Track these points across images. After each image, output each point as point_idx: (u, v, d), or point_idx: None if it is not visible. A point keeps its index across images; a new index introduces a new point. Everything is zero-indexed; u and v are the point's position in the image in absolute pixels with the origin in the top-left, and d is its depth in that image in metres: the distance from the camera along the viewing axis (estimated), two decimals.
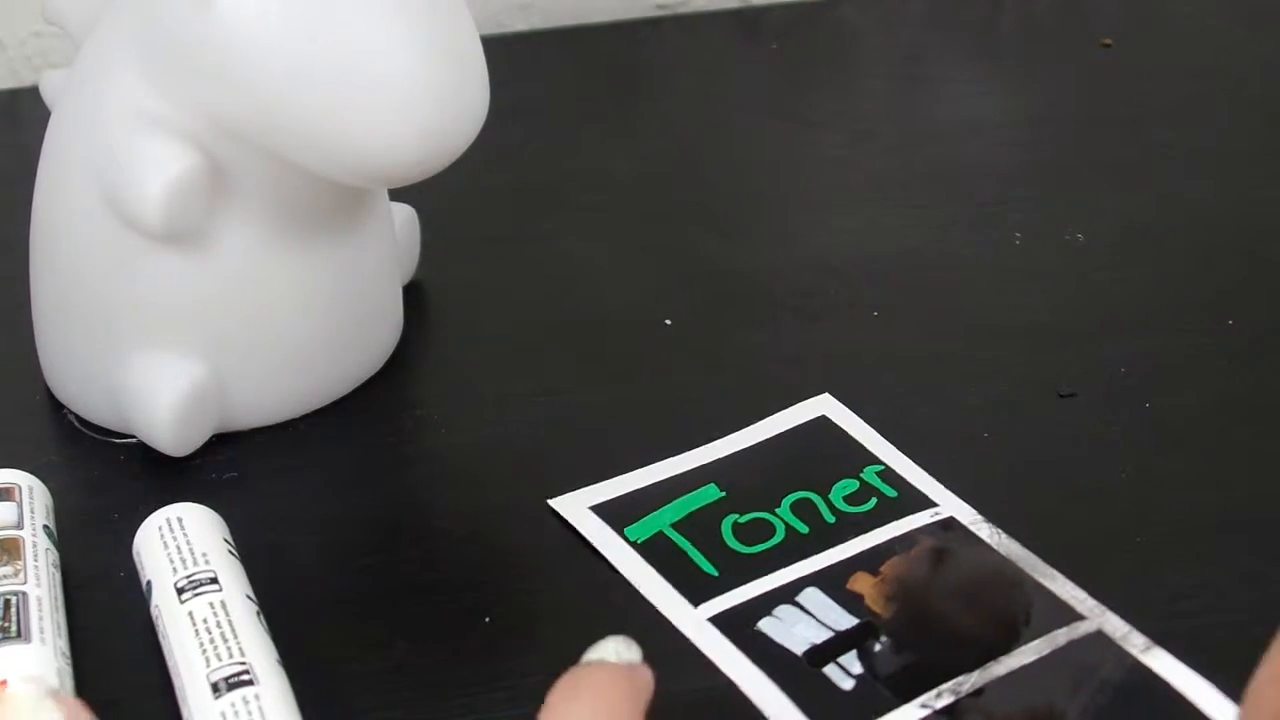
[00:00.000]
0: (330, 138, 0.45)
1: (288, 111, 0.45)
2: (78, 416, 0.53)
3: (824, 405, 0.53)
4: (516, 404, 0.53)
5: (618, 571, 0.47)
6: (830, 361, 0.55)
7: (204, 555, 0.44)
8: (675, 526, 0.48)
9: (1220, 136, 0.68)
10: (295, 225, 0.50)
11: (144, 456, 0.51)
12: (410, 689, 0.43)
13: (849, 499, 0.49)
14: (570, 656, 0.40)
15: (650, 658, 0.37)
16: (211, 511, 0.46)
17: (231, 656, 0.41)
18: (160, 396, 0.49)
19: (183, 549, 0.44)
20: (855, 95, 0.72)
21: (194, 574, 0.43)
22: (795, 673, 0.43)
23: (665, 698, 0.38)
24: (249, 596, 0.43)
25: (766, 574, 0.46)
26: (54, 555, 0.45)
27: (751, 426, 0.52)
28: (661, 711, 0.37)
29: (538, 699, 0.42)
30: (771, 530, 0.48)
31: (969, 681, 0.43)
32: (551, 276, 0.60)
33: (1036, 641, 0.44)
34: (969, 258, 0.60)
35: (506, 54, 0.71)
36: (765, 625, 0.45)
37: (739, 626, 0.45)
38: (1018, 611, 0.45)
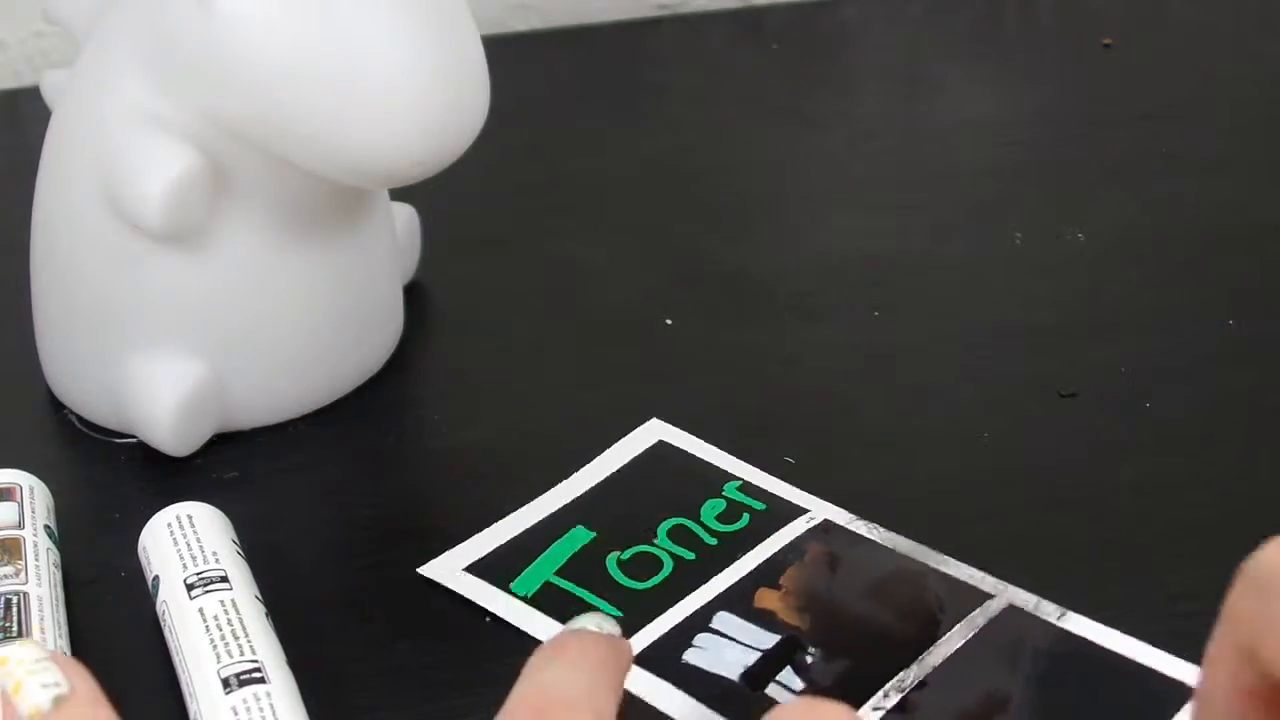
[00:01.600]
0: (331, 138, 0.45)
1: (288, 112, 0.45)
2: (78, 416, 0.53)
3: (657, 431, 0.52)
4: (517, 404, 0.53)
5: (519, 630, 0.45)
6: (829, 360, 0.55)
7: (214, 554, 0.44)
8: (559, 574, 0.47)
9: (1220, 136, 0.68)
10: (296, 225, 0.50)
11: (145, 456, 0.51)
12: (411, 689, 0.43)
13: (720, 518, 0.48)
14: None
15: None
16: (219, 512, 0.46)
17: (243, 654, 0.41)
18: (161, 396, 0.49)
19: (193, 546, 0.44)
20: (855, 95, 0.72)
21: (204, 571, 0.43)
22: (740, 699, 0.43)
23: None
24: (257, 597, 0.43)
25: (671, 605, 0.45)
26: (55, 555, 0.45)
27: (592, 463, 0.51)
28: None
29: None
30: (658, 562, 0.47)
31: (910, 676, 0.43)
32: (552, 276, 0.60)
33: (958, 627, 0.44)
34: (969, 257, 0.60)
35: (507, 54, 0.71)
36: (691, 656, 0.44)
37: (665, 662, 0.44)
38: (930, 601, 0.45)
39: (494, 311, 0.58)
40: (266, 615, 0.43)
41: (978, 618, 0.45)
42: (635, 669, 0.43)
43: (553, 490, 0.50)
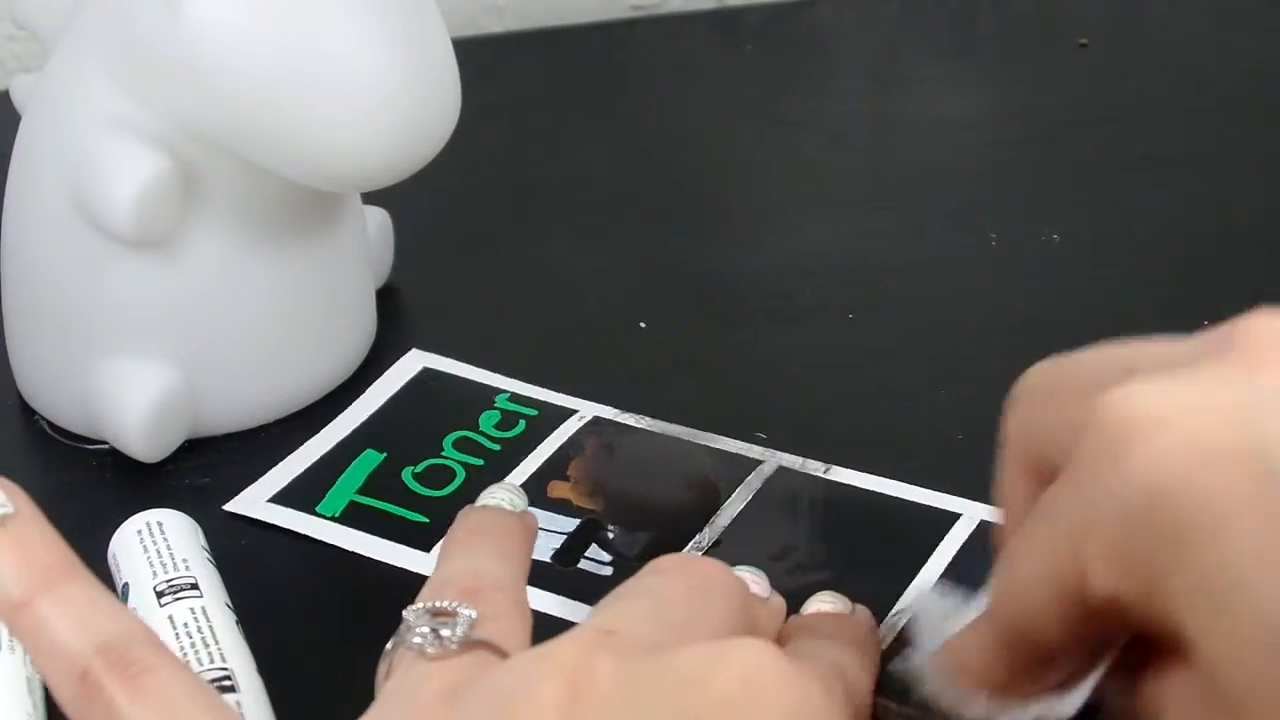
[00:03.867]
0: (300, 142, 0.45)
1: (257, 116, 0.45)
2: (49, 422, 0.52)
3: (422, 359, 0.55)
4: None
5: (334, 547, 0.48)
6: (804, 363, 0.55)
7: (184, 561, 0.44)
8: (361, 492, 0.50)
9: (1197, 136, 0.68)
10: (267, 229, 0.50)
11: (116, 463, 0.51)
12: None
13: (499, 426, 0.52)
14: None
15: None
16: (189, 518, 0.46)
17: (213, 662, 0.40)
18: (131, 402, 0.49)
19: (163, 553, 0.44)
20: (831, 96, 0.72)
21: (174, 579, 0.43)
22: (556, 576, 0.46)
23: None
24: (227, 605, 0.43)
25: None
26: None
27: (362, 396, 0.53)
28: None
29: None
30: (450, 472, 0.50)
31: (705, 538, 0.47)
32: (525, 279, 0.59)
33: (738, 491, 0.49)
34: (944, 259, 0.60)
35: (482, 56, 0.71)
36: None
37: None
38: (707, 472, 0.50)
39: (467, 315, 0.57)
40: (237, 623, 0.42)
41: (754, 481, 0.49)
42: None
43: (331, 424, 0.52)
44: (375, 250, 0.57)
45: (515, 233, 0.62)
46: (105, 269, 0.49)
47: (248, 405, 0.52)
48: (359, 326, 0.55)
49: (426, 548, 0.47)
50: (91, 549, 0.46)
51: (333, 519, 0.49)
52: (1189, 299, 0.57)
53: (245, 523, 0.49)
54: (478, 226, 0.63)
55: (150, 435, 0.49)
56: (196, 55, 0.45)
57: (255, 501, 0.49)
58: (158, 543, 0.44)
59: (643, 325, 0.57)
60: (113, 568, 0.45)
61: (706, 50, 0.77)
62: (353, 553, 0.48)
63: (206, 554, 0.45)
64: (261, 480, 0.50)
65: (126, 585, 0.44)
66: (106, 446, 0.51)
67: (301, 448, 0.51)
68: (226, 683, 0.40)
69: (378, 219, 0.57)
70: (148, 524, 0.45)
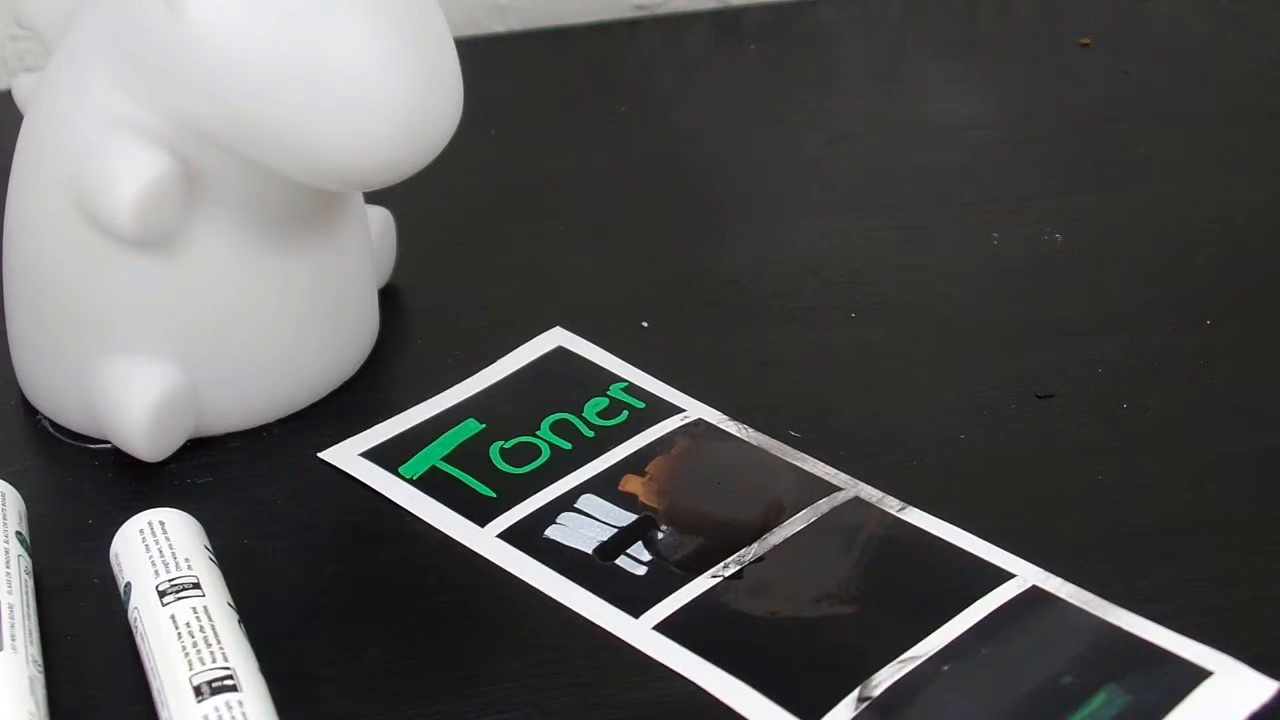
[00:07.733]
0: (302, 141, 0.45)
1: (259, 116, 0.45)
2: (52, 422, 0.53)
3: (559, 337, 0.56)
4: None
5: (401, 508, 0.49)
6: (807, 363, 0.55)
7: (186, 560, 0.44)
8: (446, 460, 0.50)
9: (1198, 137, 0.68)
10: (269, 229, 0.50)
11: (118, 462, 0.51)
12: (383, 696, 0.43)
13: (602, 414, 0.52)
14: (543, 662, 0.40)
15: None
16: (192, 518, 0.46)
17: (215, 661, 0.40)
18: (134, 402, 0.49)
19: (165, 553, 0.44)
20: (833, 96, 0.72)
21: (176, 578, 0.43)
22: (589, 568, 0.46)
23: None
24: (229, 604, 0.43)
25: (543, 488, 0.49)
26: (26, 562, 0.45)
27: (493, 365, 0.54)
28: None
29: (512, 706, 0.42)
30: (537, 451, 0.51)
31: (750, 553, 0.47)
32: (528, 279, 0.59)
33: (803, 512, 0.48)
34: (946, 258, 0.60)
35: (484, 56, 0.71)
36: (553, 532, 0.48)
37: (528, 537, 0.48)
38: (780, 490, 0.49)
39: (470, 315, 0.58)
40: (239, 622, 0.43)
41: (823, 505, 0.48)
42: (497, 541, 0.48)
43: (453, 388, 0.53)
44: (378, 250, 0.57)
45: (517, 232, 0.62)
46: (107, 268, 0.49)
47: (250, 404, 0.52)
48: (362, 326, 0.55)
49: (483, 522, 0.48)
50: (93, 549, 0.47)
51: (410, 481, 0.50)
52: (1191, 299, 0.58)
53: (247, 522, 0.49)
54: (480, 226, 0.63)
55: (152, 435, 0.50)
56: (197, 55, 0.45)
57: (349, 454, 0.51)
58: (160, 542, 0.44)
59: (645, 325, 0.57)
60: (115, 567, 0.45)
61: (709, 50, 0.77)
62: (359, 546, 0.48)
63: (209, 553, 0.45)
64: (362, 434, 0.51)
65: (129, 585, 0.44)
66: (109, 446, 0.51)
67: (412, 409, 0.52)
68: (228, 682, 0.40)
69: (380, 218, 0.57)
70: (150, 523, 0.45)
